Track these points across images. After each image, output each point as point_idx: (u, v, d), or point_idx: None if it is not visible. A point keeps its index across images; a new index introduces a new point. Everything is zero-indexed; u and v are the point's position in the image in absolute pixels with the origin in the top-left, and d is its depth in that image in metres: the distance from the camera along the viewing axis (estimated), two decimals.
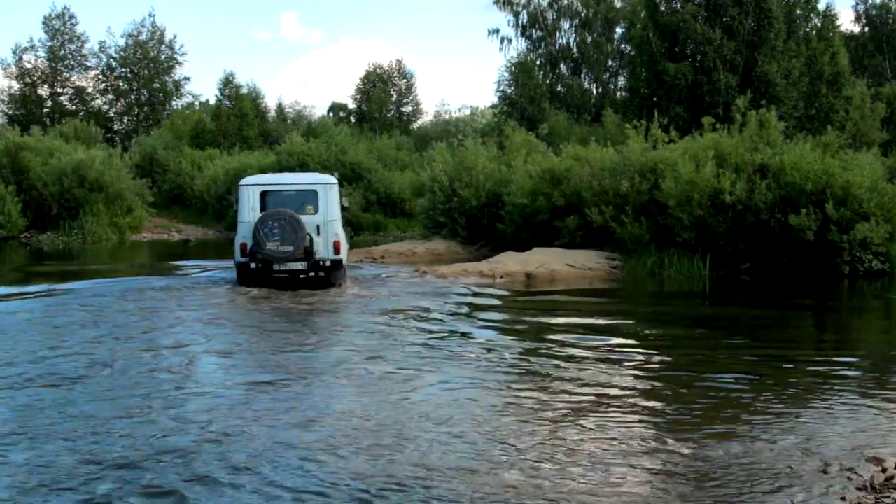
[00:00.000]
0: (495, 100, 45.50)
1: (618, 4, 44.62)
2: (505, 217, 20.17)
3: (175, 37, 51.56)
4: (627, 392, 6.67)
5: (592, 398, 6.43)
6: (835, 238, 14.85)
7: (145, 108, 47.85)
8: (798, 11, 29.56)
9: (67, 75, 47.00)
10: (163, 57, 47.33)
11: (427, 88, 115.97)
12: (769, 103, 21.56)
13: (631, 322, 10.64)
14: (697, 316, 11.85)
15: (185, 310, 10.67)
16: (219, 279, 14.21)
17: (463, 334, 9.24)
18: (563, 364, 7.66)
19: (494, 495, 4.38)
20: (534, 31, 45.76)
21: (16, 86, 46.00)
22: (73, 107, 46.76)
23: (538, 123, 33.32)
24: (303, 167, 29.66)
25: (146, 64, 46.72)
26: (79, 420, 5.63)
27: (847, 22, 50.17)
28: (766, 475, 4.71)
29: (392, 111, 52.29)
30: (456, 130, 51.60)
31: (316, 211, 12.78)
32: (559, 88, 44.75)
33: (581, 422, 5.77)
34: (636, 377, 7.20)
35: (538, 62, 45.09)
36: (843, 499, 4.37)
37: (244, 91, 45.66)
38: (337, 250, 12.65)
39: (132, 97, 47.61)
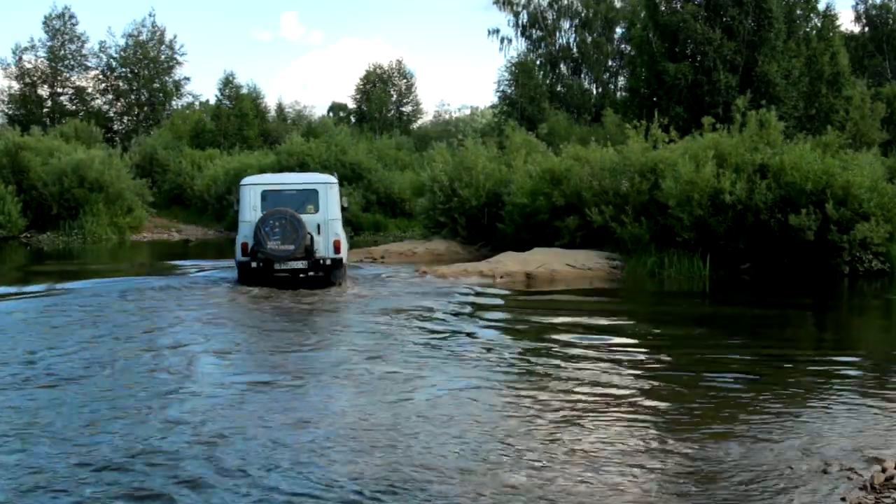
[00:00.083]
0: (495, 100, 45.56)
1: (618, 4, 44.62)
2: (505, 217, 20.16)
3: (175, 37, 51.61)
4: (627, 392, 6.67)
5: (592, 398, 6.43)
6: (835, 238, 14.85)
7: (145, 108, 47.86)
8: (798, 11, 29.55)
9: (67, 75, 47.03)
10: (163, 57, 47.35)
11: (427, 88, 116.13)
12: (769, 103, 21.54)
13: (631, 322, 10.64)
14: (697, 315, 11.85)
15: (184, 309, 10.67)
16: (219, 279, 14.21)
17: (462, 334, 9.24)
18: (563, 364, 7.66)
19: (493, 496, 4.37)
20: (534, 31, 45.76)
21: (16, 86, 46.09)
22: (73, 107, 46.77)
23: (538, 123, 33.35)
24: (303, 167, 29.65)
25: (146, 64, 46.72)
26: (73, 421, 5.61)
27: (847, 22, 50.18)
28: (766, 475, 4.70)
29: (392, 111, 52.28)
30: (456, 130, 51.60)
31: (316, 210, 12.87)
32: (559, 88, 44.75)
33: (581, 422, 5.76)
34: (636, 377, 7.20)
35: (538, 62, 45.08)
36: (843, 499, 4.37)
37: (244, 91, 45.68)
38: (337, 249, 12.75)
39: (132, 97, 47.62)
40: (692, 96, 27.39)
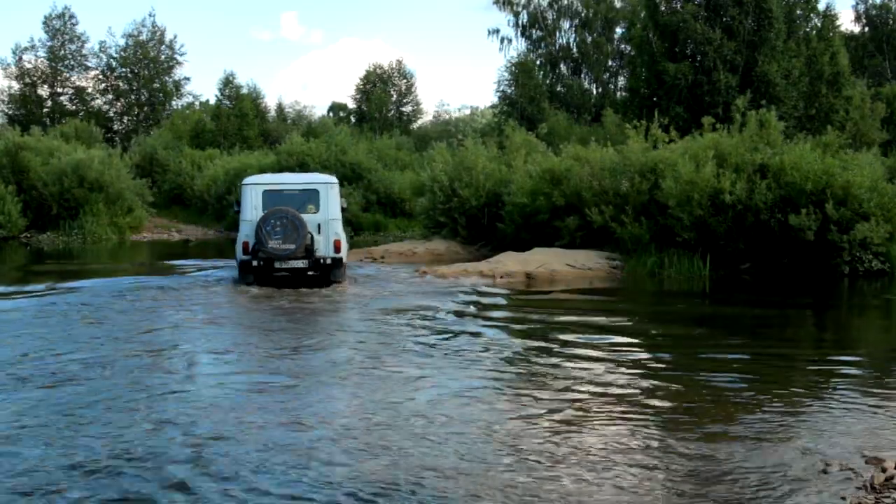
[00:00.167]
0: (495, 100, 45.54)
1: (618, 4, 44.62)
2: (505, 217, 20.16)
3: (175, 37, 51.61)
4: (627, 391, 6.67)
5: (592, 398, 6.43)
6: (835, 238, 14.85)
7: (145, 108, 47.86)
8: (798, 11, 29.54)
9: (67, 75, 47.04)
10: (163, 57, 47.35)
11: (427, 88, 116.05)
12: (769, 103, 21.54)
13: (631, 321, 10.64)
14: (697, 315, 11.85)
15: (184, 309, 10.67)
16: (219, 278, 14.22)
17: (462, 334, 9.23)
18: (562, 363, 7.66)
19: (491, 497, 4.36)
20: (534, 31, 45.75)
21: (16, 86, 46.09)
22: (73, 107, 46.77)
23: (538, 123, 33.32)
24: (303, 167, 29.67)
25: (146, 64, 46.72)
26: (66, 422, 5.57)
27: (847, 22, 50.20)
28: (766, 475, 4.70)
29: (392, 111, 52.29)
30: (456, 130, 51.59)
31: (317, 210, 13.02)
32: (559, 88, 44.74)
33: (580, 421, 5.76)
34: (636, 377, 7.20)
35: (538, 62, 45.07)
36: (843, 499, 4.37)
37: (244, 91, 45.68)
38: (337, 249, 12.89)
39: (132, 97, 47.63)
40: (692, 96, 27.39)
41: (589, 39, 45.08)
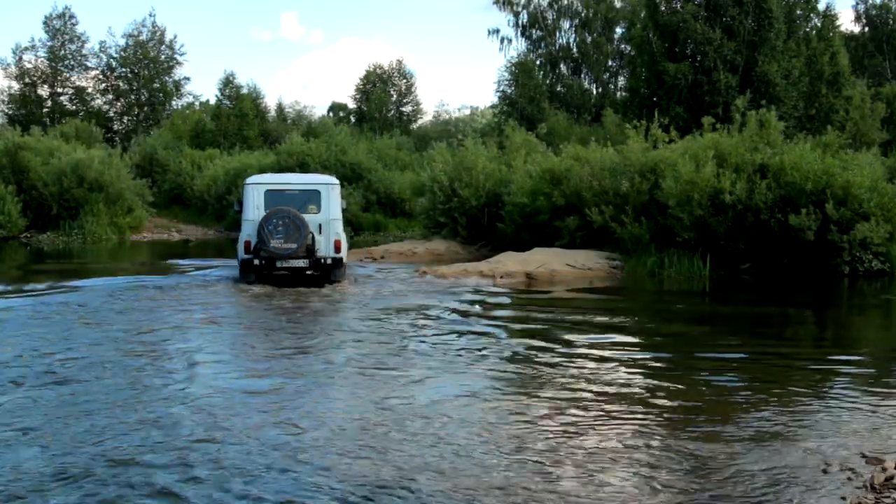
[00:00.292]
0: (495, 100, 45.56)
1: (618, 4, 44.62)
2: (505, 217, 20.17)
3: (175, 37, 51.64)
4: (626, 391, 6.66)
5: (591, 398, 6.42)
6: (835, 238, 14.85)
7: (145, 108, 47.87)
8: (798, 11, 29.55)
9: (67, 75, 47.04)
10: (163, 57, 47.35)
11: (427, 88, 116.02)
12: (769, 103, 21.55)
13: (631, 321, 10.64)
14: (697, 315, 11.86)
15: (183, 309, 10.66)
16: (218, 278, 14.22)
17: (462, 334, 9.22)
18: (561, 363, 7.65)
19: (489, 497, 4.35)
20: (534, 31, 45.75)
21: (16, 86, 46.08)
22: (73, 107, 46.77)
23: (538, 123, 33.33)
24: (303, 167, 29.68)
25: (146, 64, 46.73)
26: (59, 424, 5.51)
27: (847, 22, 50.26)
28: (765, 475, 4.70)
29: (392, 111, 52.30)
30: (456, 130, 51.60)
31: (318, 210, 13.15)
32: (559, 88, 44.74)
33: (579, 421, 5.76)
34: (635, 376, 7.20)
35: (538, 62, 45.08)
36: (843, 498, 4.37)
37: (244, 91, 45.69)
38: (338, 249, 13.02)
39: (132, 97, 47.63)
40: (692, 96, 27.39)
41: (589, 39, 45.08)
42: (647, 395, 6.57)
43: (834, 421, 5.82)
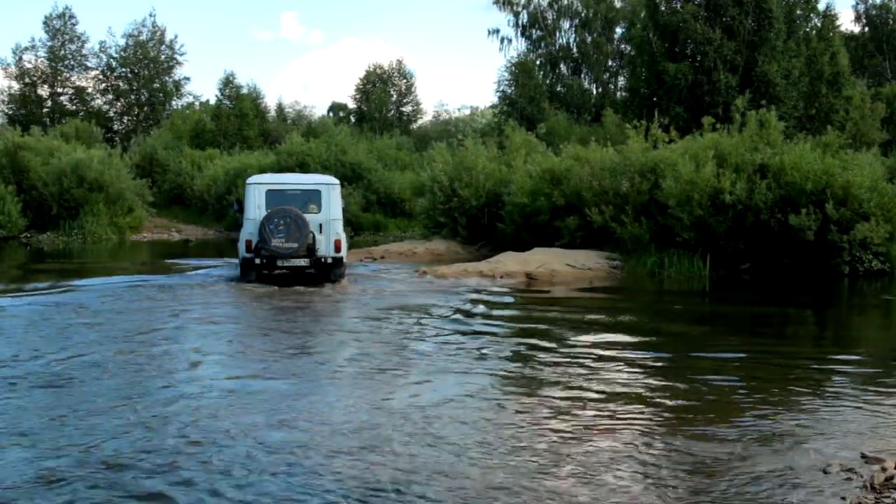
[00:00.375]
0: (495, 100, 45.57)
1: (618, 4, 44.63)
2: (505, 217, 20.17)
3: (175, 37, 51.68)
4: (624, 391, 6.66)
5: (590, 398, 6.42)
6: (835, 238, 14.85)
7: (145, 108, 47.87)
8: (798, 11, 29.56)
9: (67, 75, 47.05)
10: (163, 57, 47.36)
11: (427, 88, 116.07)
12: (769, 103, 21.56)
13: (631, 321, 10.64)
14: (697, 315, 11.86)
15: (182, 309, 10.65)
16: (218, 277, 14.22)
17: (461, 334, 9.22)
18: (561, 363, 7.65)
19: (484, 498, 4.33)
20: (534, 31, 45.75)
21: (16, 86, 46.10)
22: (73, 107, 46.78)
23: (538, 123, 33.34)
24: (303, 167, 29.69)
25: (146, 64, 46.74)
26: (54, 425, 5.47)
27: (847, 22, 50.24)
28: (765, 475, 4.70)
29: (392, 111, 52.30)
30: (456, 130, 51.60)
31: (319, 210, 13.25)
32: (559, 88, 44.75)
33: (578, 422, 5.75)
34: (635, 376, 7.20)
35: (538, 62, 45.08)
36: (843, 499, 4.36)
37: (244, 91, 45.71)
38: (338, 248, 13.13)
39: (132, 97, 47.64)
40: (692, 96, 27.39)
41: (589, 39, 45.08)
42: (647, 394, 6.57)
43: (834, 421, 5.82)
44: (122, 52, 46.69)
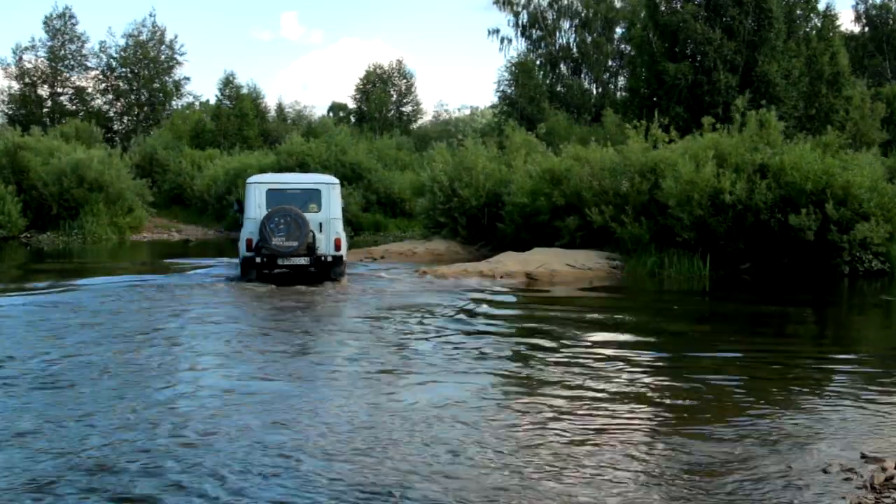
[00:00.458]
0: (495, 100, 45.57)
1: (618, 4, 44.63)
2: (505, 217, 20.16)
3: (175, 37, 51.66)
4: (624, 391, 6.66)
5: (589, 397, 6.41)
6: (835, 238, 14.85)
7: (145, 108, 47.86)
8: (798, 11, 29.56)
9: (67, 75, 47.04)
10: (163, 57, 47.35)
11: (427, 88, 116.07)
12: (769, 103, 21.55)
13: (630, 321, 10.63)
14: (697, 315, 11.86)
15: (181, 308, 10.65)
16: (218, 277, 14.22)
17: (460, 334, 9.21)
18: (561, 363, 7.64)
19: (481, 500, 4.31)
20: (534, 31, 45.75)
21: (16, 86, 46.08)
22: (73, 107, 46.77)
23: (538, 123, 33.34)
24: (303, 167, 29.69)
25: (146, 64, 46.73)
26: (48, 426, 5.44)
27: (847, 22, 50.22)
28: (765, 475, 4.70)
29: (392, 111, 52.30)
30: (456, 130, 51.60)
31: (319, 209, 13.33)
32: (559, 88, 44.74)
33: (577, 422, 5.74)
34: (634, 376, 7.19)
35: (538, 62, 45.08)
36: (843, 498, 4.36)
37: (244, 91, 45.69)
38: (338, 247, 13.22)
39: (132, 97, 47.63)
40: (692, 96, 27.39)
41: (589, 39, 45.08)
42: (647, 394, 6.57)
43: (834, 421, 5.82)
44: (122, 52, 46.70)
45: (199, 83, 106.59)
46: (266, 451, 5.00)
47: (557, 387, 6.76)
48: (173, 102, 48.44)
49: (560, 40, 46.12)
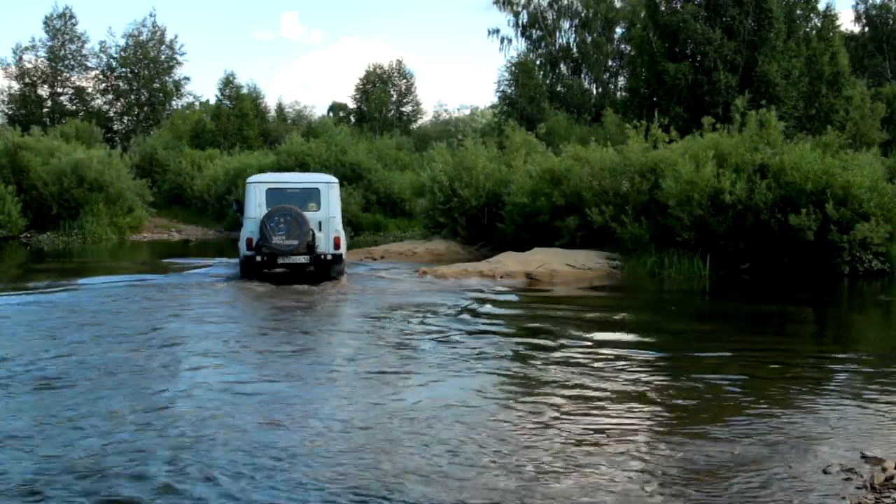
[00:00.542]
0: (495, 100, 45.56)
1: (618, 4, 44.63)
2: (505, 217, 20.16)
3: (175, 37, 51.65)
4: (622, 392, 6.65)
5: (588, 397, 6.41)
6: (835, 238, 14.85)
7: (145, 108, 47.86)
8: (798, 11, 29.56)
9: (67, 75, 47.03)
10: (163, 57, 47.35)
11: (427, 88, 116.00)
12: (769, 103, 21.55)
13: (630, 321, 10.64)
14: (697, 315, 11.85)
15: (180, 308, 10.65)
16: (217, 277, 14.21)
17: (460, 334, 9.20)
18: (560, 363, 7.64)
19: (478, 500, 4.31)
20: (534, 31, 45.76)
21: (16, 86, 46.07)
22: (73, 107, 46.77)
23: (538, 123, 33.33)
24: (303, 167, 29.68)
25: (146, 64, 46.72)
26: (43, 427, 5.43)
27: (847, 22, 50.26)
28: (765, 475, 4.69)
29: (392, 111, 52.29)
30: (456, 130, 51.59)
31: (318, 208, 13.44)
32: (559, 88, 44.74)
33: (577, 422, 5.74)
34: (633, 376, 7.18)
35: (538, 62, 45.08)
36: (843, 498, 4.36)
37: (244, 91, 45.68)
38: (337, 245, 13.35)
39: (132, 97, 47.63)
40: (692, 96, 27.38)
41: (589, 39, 45.08)
42: (647, 394, 6.56)
43: (834, 421, 5.81)
44: (122, 52, 46.69)
45: (199, 83, 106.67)
46: (262, 452, 4.99)
47: (558, 386, 6.76)
48: (173, 102, 48.47)
49: (560, 40, 46.16)
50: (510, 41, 46.16)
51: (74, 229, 26.50)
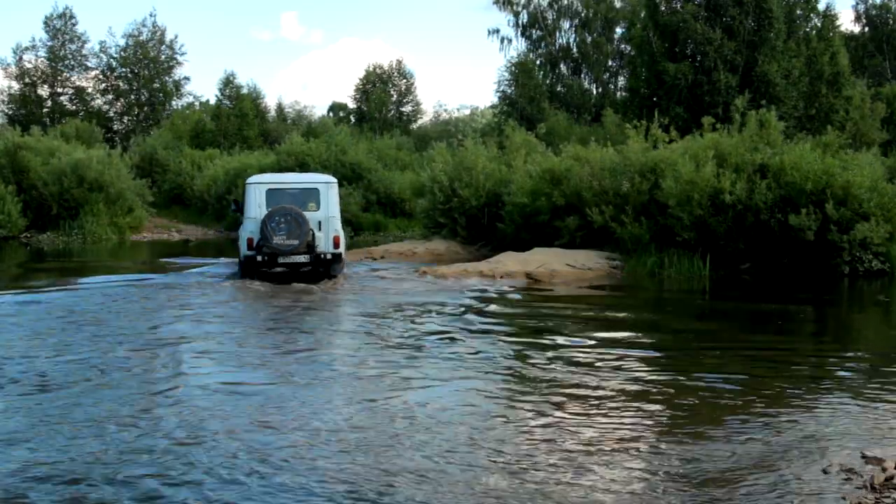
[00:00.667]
0: (495, 100, 45.55)
1: (618, 4, 44.61)
2: (505, 217, 20.15)
3: (175, 37, 51.62)
4: (622, 393, 6.65)
5: (588, 397, 6.41)
6: (835, 238, 14.84)
7: (145, 108, 47.84)
8: (798, 11, 29.55)
9: (67, 75, 47.00)
10: (163, 57, 47.31)
11: (427, 88, 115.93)
12: (769, 103, 21.54)
13: (629, 320, 10.64)
14: (697, 315, 11.85)
15: (180, 308, 10.64)
16: (217, 276, 14.21)
17: (459, 334, 9.21)
18: (559, 364, 7.64)
19: (478, 501, 4.30)
20: (534, 31, 45.74)
21: (16, 86, 46.04)
22: (73, 107, 46.75)
23: (538, 123, 33.32)
24: (303, 167, 29.67)
25: (146, 64, 46.70)
26: (40, 428, 5.42)
27: (847, 22, 50.20)
28: (766, 475, 4.69)
29: (392, 111, 52.28)
30: (456, 130, 51.58)
31: (318, 208, 13.52)
32: (559, 88, 44.73)
33: (576, 422, 5.74)
34: (633, 375, 7.18)
35: (538, 62, 45.07)
36: (843, 498, 4.36)
37: (244, 91, 45.65)
38: (337, 245, 13.46)
39: (132, 97, 47.60)
40: (692, 96, 27.37)
41: (589, 39, 45.06)
42: (647, 393, 6.56)
43: (834, 420, 5.81)
44: (122, 53, 46.66)
45: (199, 83, 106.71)
46: (253, 452, 4.98)
47: (558, 386, 6.76)
48: (173, 102, 48.43)
49: (560, 40, 46.14)
50: (510, 41, 46.21)
51: (74, 229, 26.49)
